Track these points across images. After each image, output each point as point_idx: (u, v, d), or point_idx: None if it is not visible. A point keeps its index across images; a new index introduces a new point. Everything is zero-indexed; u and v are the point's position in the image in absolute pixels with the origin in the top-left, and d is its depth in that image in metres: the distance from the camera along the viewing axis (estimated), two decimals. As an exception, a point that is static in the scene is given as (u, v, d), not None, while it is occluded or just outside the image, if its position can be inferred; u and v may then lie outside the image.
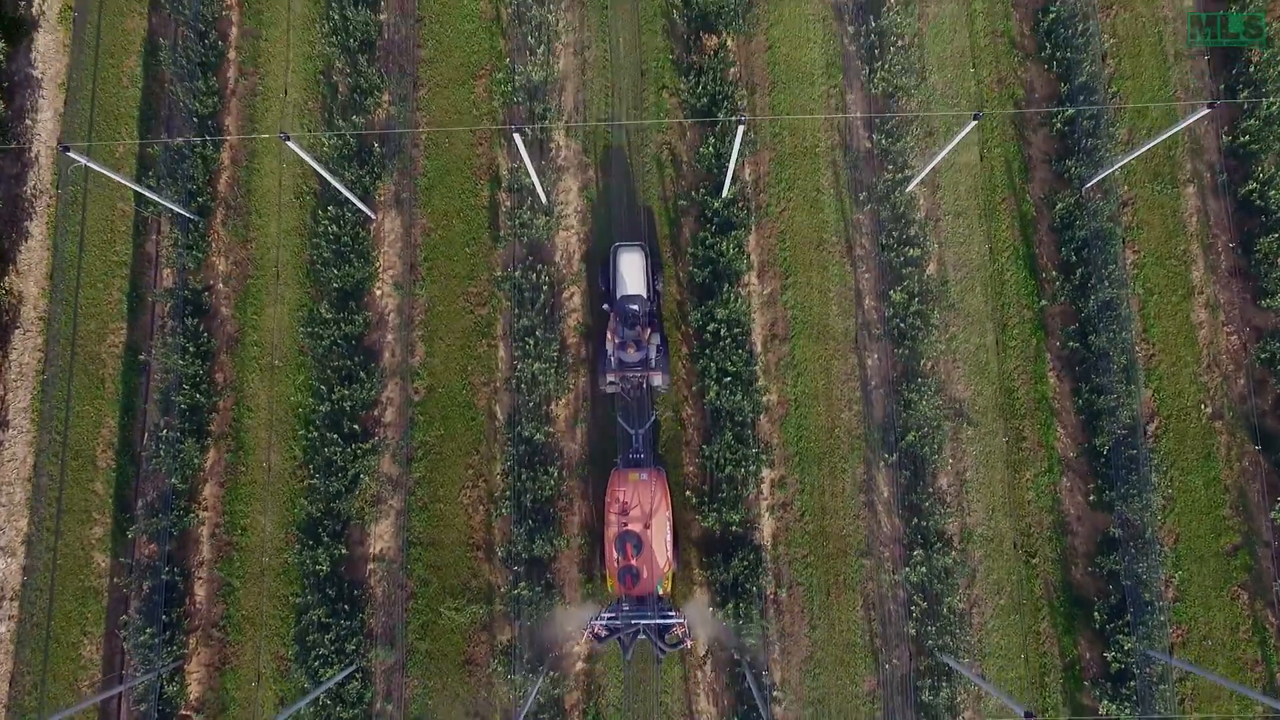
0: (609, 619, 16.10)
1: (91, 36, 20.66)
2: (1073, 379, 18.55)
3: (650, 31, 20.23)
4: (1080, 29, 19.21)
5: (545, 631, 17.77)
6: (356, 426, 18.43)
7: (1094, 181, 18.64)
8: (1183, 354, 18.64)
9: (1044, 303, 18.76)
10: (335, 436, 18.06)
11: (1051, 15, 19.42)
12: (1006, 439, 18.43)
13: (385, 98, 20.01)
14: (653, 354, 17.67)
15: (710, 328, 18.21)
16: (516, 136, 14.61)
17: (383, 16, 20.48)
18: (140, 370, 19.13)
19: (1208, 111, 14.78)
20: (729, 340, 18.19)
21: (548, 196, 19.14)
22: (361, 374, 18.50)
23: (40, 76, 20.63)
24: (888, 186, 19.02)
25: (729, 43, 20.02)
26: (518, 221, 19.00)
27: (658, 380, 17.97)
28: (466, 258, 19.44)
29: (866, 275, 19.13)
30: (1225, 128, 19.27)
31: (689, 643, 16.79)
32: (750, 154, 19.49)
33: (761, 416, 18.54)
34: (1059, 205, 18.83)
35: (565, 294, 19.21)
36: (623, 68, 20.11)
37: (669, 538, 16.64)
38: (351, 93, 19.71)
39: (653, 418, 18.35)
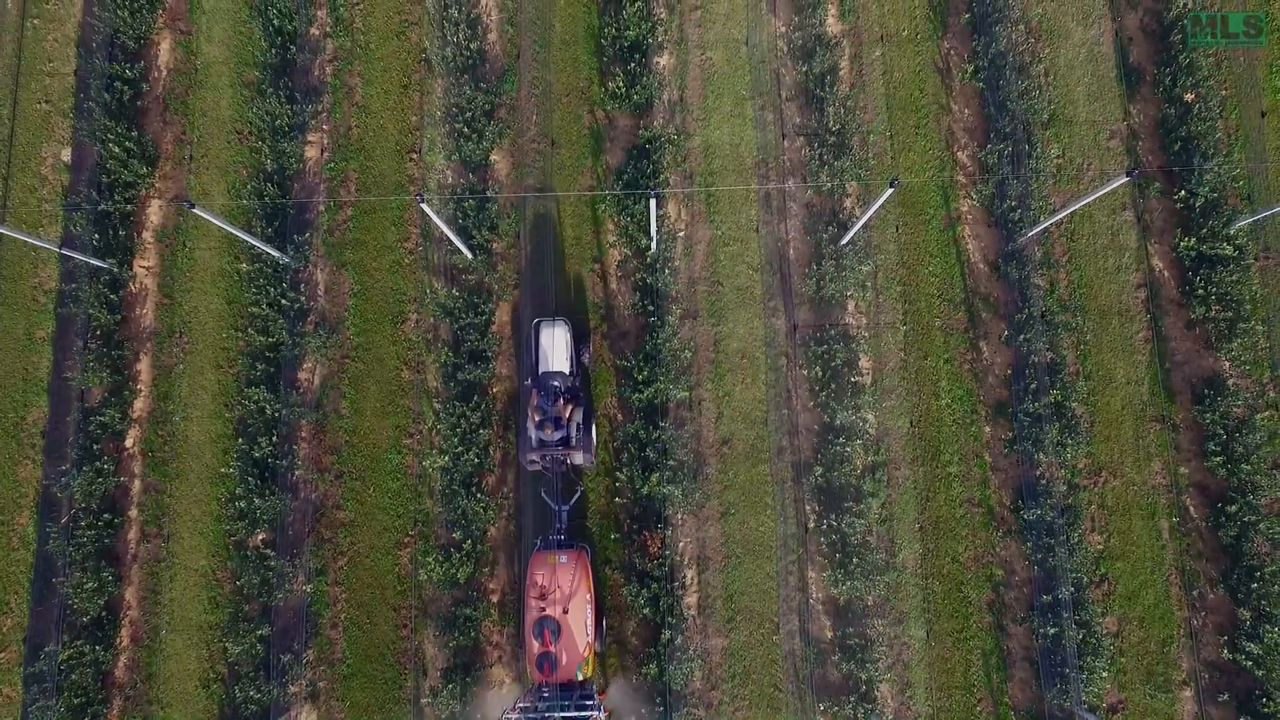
0: (524, 709, 15.21)
1: (-20, 486, 18.87)
2: None
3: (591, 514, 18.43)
4: (1066, 536, 17.35)
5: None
6: None
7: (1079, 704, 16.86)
8: None
9: (1025, 840, 17.01)
10: None
11: (1033, 513, 17.57)
12: None
13: (300, 579, 18.19)
14: (573, 433, 16.90)
15: None
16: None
17: (298, 473, 18.65)
18: None
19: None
20: None
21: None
22: None
23: (-76, 534, 18.81)
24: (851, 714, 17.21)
25: (679, 516, 18.21)
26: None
27: (579, 458, 17.20)
28: (389, 760, 17.67)
29: (828, 792, 17.35)
30: (1225, 637, 17.48)
31: None
32: (700, 660, 17.69)
33: None
34: (1041, 733, 17.08)
35: (496, 812, 17.44)
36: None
37: (589, 620, 16.00)
38: (261, 585, 17.88)
39: (578, 492, 17.73)
